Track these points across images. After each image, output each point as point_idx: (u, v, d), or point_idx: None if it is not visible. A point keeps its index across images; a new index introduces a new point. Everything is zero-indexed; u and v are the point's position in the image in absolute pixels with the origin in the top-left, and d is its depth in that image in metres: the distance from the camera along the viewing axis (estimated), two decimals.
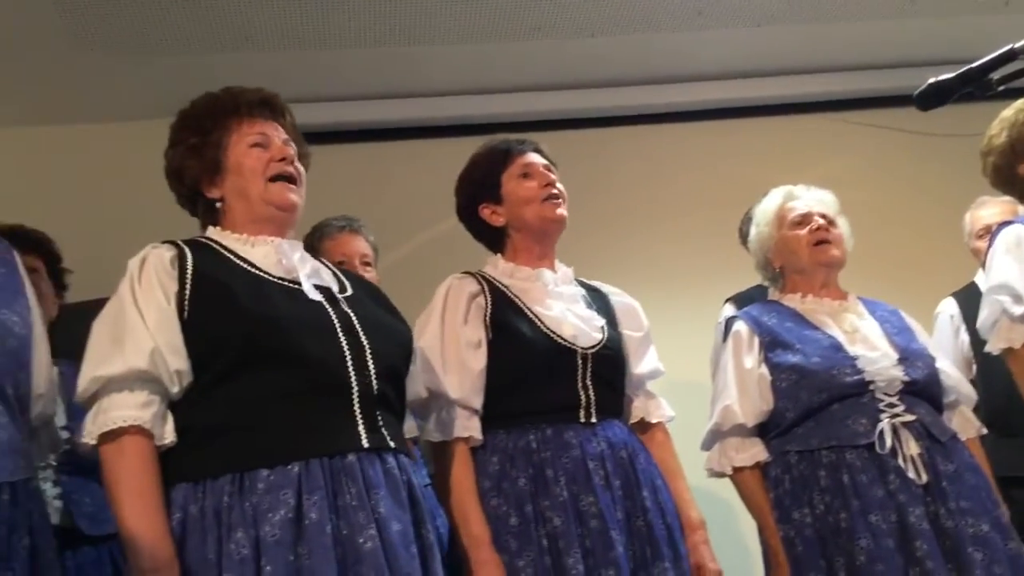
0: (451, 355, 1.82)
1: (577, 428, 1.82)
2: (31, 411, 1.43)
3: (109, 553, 1.98)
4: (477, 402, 1.81)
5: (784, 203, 2.29)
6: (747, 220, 2.74)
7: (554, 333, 1.87)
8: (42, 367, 1.46)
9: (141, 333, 1.43)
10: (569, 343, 1.86)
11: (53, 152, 3.61)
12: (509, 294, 1.92)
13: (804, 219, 2.23)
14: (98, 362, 1.42)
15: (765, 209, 2.32)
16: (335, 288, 1.63)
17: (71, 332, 1.72)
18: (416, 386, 1.70)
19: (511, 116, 3.77)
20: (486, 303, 1.89)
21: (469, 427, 1.80)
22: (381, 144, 3.85)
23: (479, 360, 1.83)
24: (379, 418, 1.51)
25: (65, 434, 1.83)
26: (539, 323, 1.87)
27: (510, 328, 1.86)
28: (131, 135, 3.64)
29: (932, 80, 1.51)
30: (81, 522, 1.92)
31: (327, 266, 1.72)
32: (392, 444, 1.51)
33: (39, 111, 3.50)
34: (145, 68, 3.49)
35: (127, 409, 1.40)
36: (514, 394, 1.82)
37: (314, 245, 2.38)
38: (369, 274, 2.41)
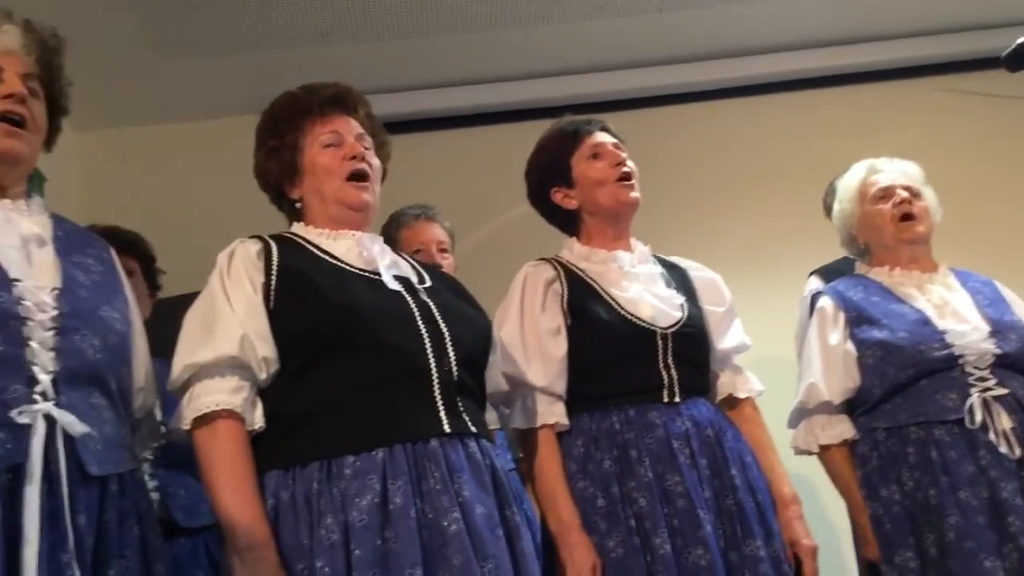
0: (532, 343, 1.83)
1: (661, 408, 1.81)
2: (133, 404, 1.49)
3: (204, 543, 2.04)
4: (561, 388, 1.83)
5: (866, 177, 2.24)
6: (831, 192, 2.69)
7: (632, 315, 1.86)
8: (141, 361, 1.51)
9: (231, 321, 1.47)
10: (648, 324, 1.85)
11: (140, 152, 3.73)
12: (585, 278, 1.92)
13: (887, 193, 2.18)
14: (190, 350, 1.47)
15: (847, 184, 2.27)
16: (414, 279, 1.66)
17: (162, 327, 1.78)
18: (496, 377, 1.72)
19: (582, 97, 3.74)
20: (562, 289, 1.89)
21: (554, 413, 1.81)
22: (455, 131, 3.87)
23: (560, 347, 1.84)
24: (460, 404, 1.53)
25: (161, 429, 1.91)
26: (616, 306, 1.87)
27: (587, 313, 1.86)
28: (214, 133, 3.76)
29: (1022, 40, 1.46)
30: (177, 514, 1.99)
31: (405, 258, 1.76)
32: (473, 429, 1.53)
33: (125, 113, 3.61)
34: (225, 67, 3.57)
35: (219, 394, 1.44)
36: (595, 377, 1.83)
37: (391, 234, 2.42)
38: (446, 261, 2.44)
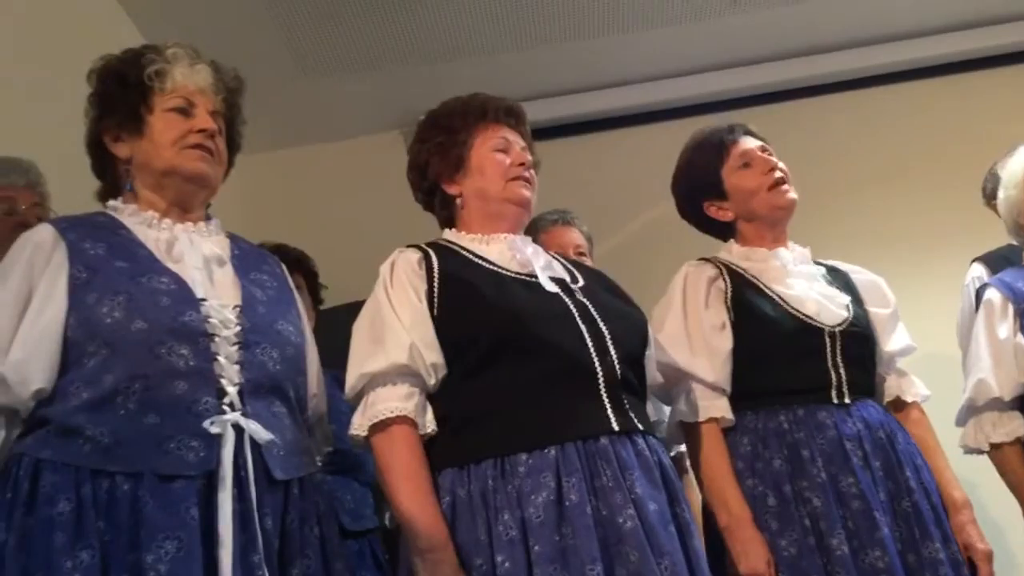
0: (697, 338, 1.83)
1: (830, 408, 1.78)
2: (308, 411, 1.56)
3: (369, 545, 2.12)
4: (726, 384, 1.82)
5: None
6: (991, 177, 2.56)
7: (798, 311, 1.83)
8: (314, 370, 1.58)
9: (398, 331, 1.52)
10: (814, 321, 1.83)
11: (292, 173, 3.90)
12: (747, 276, 1.91)
13: None
14: (362, 360, 1.52)
15: (1012, 171, 2.16)
16: (568, 279, 1.68)
17: (323, 338, 1.85)
18: (653, 371, 1.72)
19: (721, 94, 3.70)
20: (726, 286, 1.88)
21: (720, 408, 1.80)
22: (589, 136, 3.87)
23: (726, 342, 1.83)
24: (625, 401, 1.53)
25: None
26: (781, 302, 1.85)
27: (752, 309, 1.85)
28: (360, 150, 3.89)
29: None
30: (344, 518, 2.06)
31: (557, 258, 1.78)
32: (640, 426, 1.53)
33: (276, 136, 3.78)
34: (369, 85, 3.68)
35: (392, 401, 1.48)
36: (760, 375, 1.81)
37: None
38: None
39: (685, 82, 3.77)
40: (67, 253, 1.39)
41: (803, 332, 1.81)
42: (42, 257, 1.39)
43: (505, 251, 1.67)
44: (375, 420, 1.49)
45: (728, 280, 1.89)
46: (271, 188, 3.71)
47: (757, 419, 1.79)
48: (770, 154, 1.97)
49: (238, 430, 1.33)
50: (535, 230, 2.48)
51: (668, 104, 3.76)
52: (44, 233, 1.42)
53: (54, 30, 2.63)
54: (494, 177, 1.69)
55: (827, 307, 1.85)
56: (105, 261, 1.39)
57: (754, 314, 1.83)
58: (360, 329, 1.58)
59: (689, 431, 1.82)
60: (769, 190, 1.93)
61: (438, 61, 3.58)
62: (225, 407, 1.34)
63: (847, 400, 1.80)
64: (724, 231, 2.02)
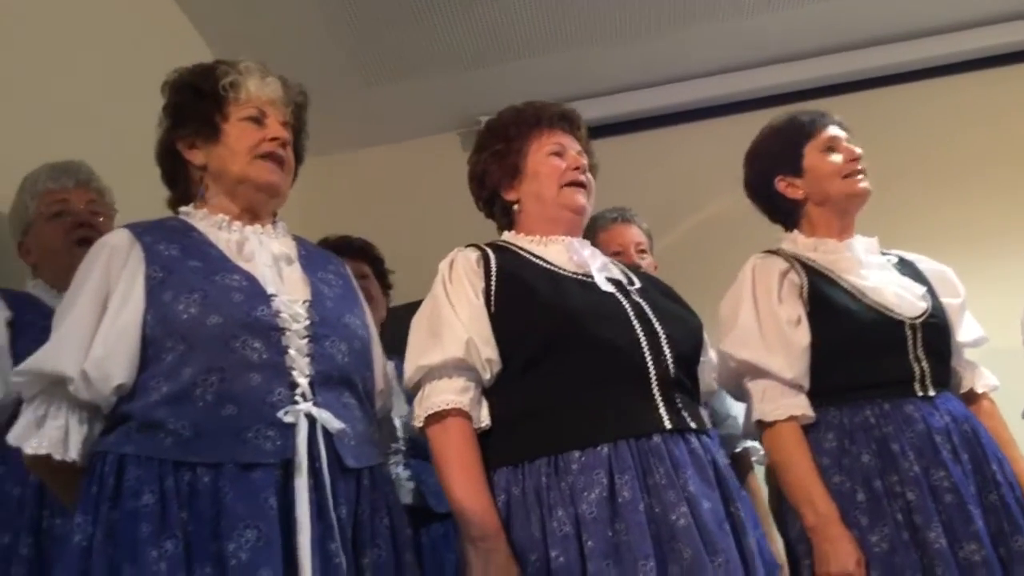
0: (772, 334, 1.80)
1: (916, 402, 1.75)
2: (375, 406, 1.59)
3: (455, 527, 2.11)
4: (805, 380, 1.79)
5: None
6: None
7: (877, 303, 1.80)
8: (380, 366, 1.61)
9: (456, 326, 1.54)
10: (896, 313, 1.79)
11: (352, 176, 3.97)
12: (819, 268, 1.87)
13: None
14: (420, 353, 1.56)
15: None
16: (624, 281, 1.69)
17: (396, 331, 1.91)
18: (708, 378, 1.71)
19: (774, 89, 3.66)
20: (800, 279, 1.85)
21: (799, 405, 1.77)
22: (646, 133, 3.85)
23: (803, 336, 1.79)
24: (678, 400, 1.54)
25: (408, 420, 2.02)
26: (859, 294, 1.82)
27: (830, 302, 1.81)
28: (419, 152, 3.94)
29: None
30: (430, 500, 2.08)
31: (614, 262, 1.79)
32: (693, 425, 1.53)
33: (336, 140, 3.85)
34: (427, 89, 3.72)
35: (448, 394, 1.51)
36: (841, 369, 1.78)
37: (589, 238, 2.45)
38: (645, 261, 2.44)
39: (743, 76, 3.73)
40: (143, 254, 1.43)
41: (885, 325, 1.77)
42: (119, 259, 1.43)
43: (562, 252, 1.70)
44: (431, 411, 1.52)
45: (802, 272, 1.85)
46: (331, 190, 3.77)
47: (841, 414, 1.76)
48: (856, 148, 1.95)
49: (311, 420, 1.35)
50: (595, 228, 2.48)
51: (726, 99, 3.73)
52: (120, 237, 1.47)
53: (128, 48, 2.71)
54: (549, 181, 1.72)
55: (906, 298, 1.82)
56: (179, 261, 1.43)
57: (833, 307, 1.79)
58: (419, 323, 1.61)
59: (768, 430, 1.78)
60: (845, 177, 1.91)
61: (494, 64, 3.60)
62: (298, 398, 1.37)
63: (931, 393, 1.76)
64: (789, 212, 1.99)
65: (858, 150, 1.94)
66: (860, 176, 1.91)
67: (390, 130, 3.95)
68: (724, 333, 1.85)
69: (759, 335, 1.80)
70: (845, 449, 1.73)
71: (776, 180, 1.97)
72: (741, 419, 2.05)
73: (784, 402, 1.76)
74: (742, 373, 1.81)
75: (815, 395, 1.78)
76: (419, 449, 2.06)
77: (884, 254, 1.97)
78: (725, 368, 1.82)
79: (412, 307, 1.69)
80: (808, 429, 1.77)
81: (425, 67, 3.60)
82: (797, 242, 1.94)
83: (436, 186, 3.47)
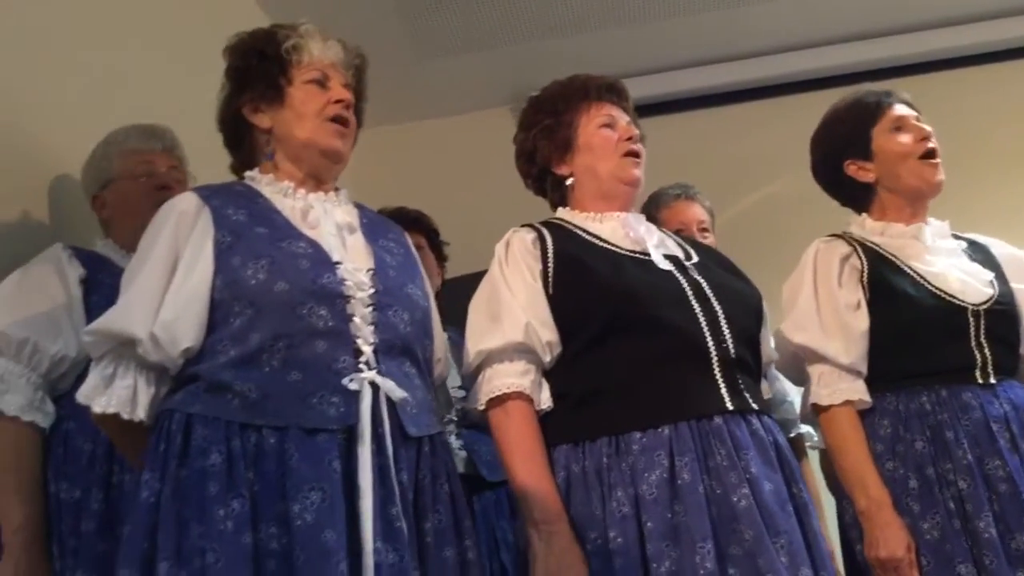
0: (830, 319, 1.78)
1: (975, 389, 1.73)
2: (433, 374, 1.60)
3: (506, 495, 2.14)
4: (863, 365, 1.77)
5: None
6: None
7: (940, 290, 1.78)
8: (438, 334, 1.62)
9: (514, 309, 1.55)
10: (958, 300, 1.77)
11: (402, 148, 3.98)
12: (884, 252, 1.85)
13: None
14: (479, 338, 1.57)
15: None
16: (681, 256, 1.68)
17: (452, 302, 1.93)
18: (769, 350, 1.70)
19: (835, 70, 3.59)
20: (861, 264, 1.83)
21: (857, 390, 1.76)
22: (709, 110, 3.82)
23: (861, 322, 1.78)
24: (739, 381, 1.53)
25: (461, 393, 2.04)
26: (922, 280, 1.79)
27: (890, 287, 1.79)
28: (471, 127, 3.95)
29: None
30: (482, 469, 2.11)
31: (670, 235, 1.77)
32: (755, 405, 1.53)
33: (388, 112, 3.85)
34: (481, 62, 3.72)
35: (509, 377, 1.53)
36: (900, 355, 1.76)
37: (651, 214, 2.42)
38: (707, 239, 2.42)
39: (807, 55, 3.67)
40: (211, 218, 1.44)
41: (946, 311, 1.75)
42: (187, 223, 1.44)
43: (618, 229, 1.68)
44: (492, 395, 1.53)
45: (863, 257, 1.83)
46: (382, 162, 3.78)
47: (898, 400, 1.74)
48: (925, 126, 1.90)
49: (374, 388, 1.37)
50: (657, 205, 2.46)
51: (787, 79, 3.68)
52: (188, 200, 1.48)
53: (186, 13, 2.74)
54: (604, 153, 1.70)
55: (971, 284, 1.79)
56: (247, 226, 1.44)
57: (893, 293, 1.77)
58: (477, 307, 1.62)
59: (823, 414, 1.78)
60: (920, 158, 1.86)
61: (548, 39, 3.58)
62: (362, 366, 1.38)
63: (992, 380, 1.74)
64: (860, 197, 1.95)
65: (927, 128, 1.89)
66: (935, 162, 1.86)
67: (443, 103, 3.96)
68: (785, 316, 1.84)
69: (817, 319, 1.78)
70: (899, 436, 1.71)
71: (846, 164, 1.94)
72: (797, 404, 2.04)
73: (840, 387, 1.75)
74: (800, 357, 1.80)
75: (873, 380, 1.77)
76: (472, 418, 2.09)
77: (957, 238, 1.94)
78: (783, 351, 1.81)
79: (462, 280, 1.71)
80: (864, 415, 1.76)
81: (480, 41, 3.59)
82: (865, 226, 1.92)
83: (488, 160, 3.45)
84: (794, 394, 2.20)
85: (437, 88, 3.86)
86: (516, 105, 3.95)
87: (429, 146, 4.01)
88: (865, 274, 1.81)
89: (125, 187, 1.94)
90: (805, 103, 3.56)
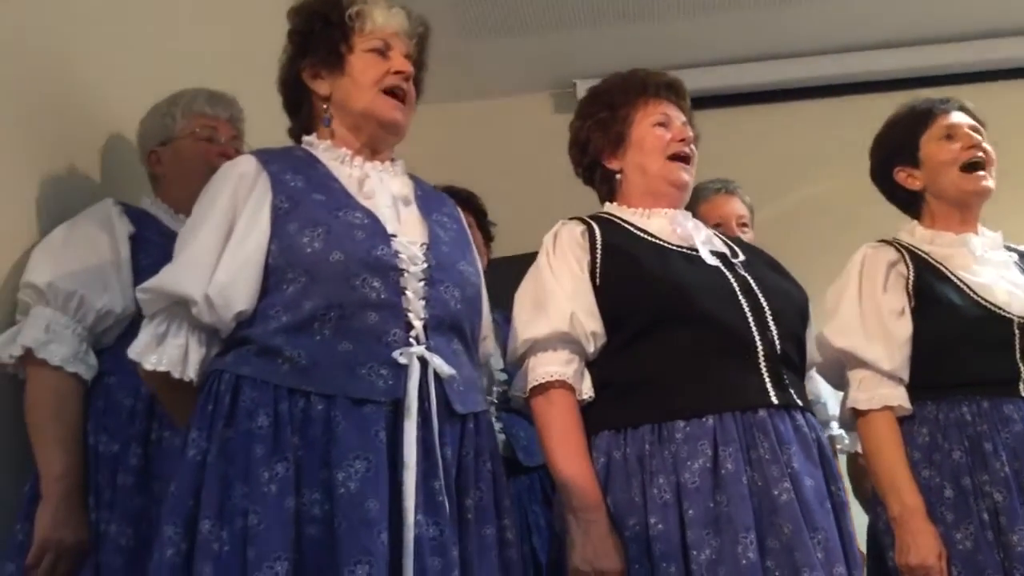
0: (873, 324, 1.79)
1: (1018, 402, 1.73)
2: (479, 352, 1.60)
3: (539, 480, 2.17)
4: (904, 371, 1.77)
5: None
6: None
7: (986, 300, 1.77)
8: (486, 313, 1.62)
9: (560, 299, 1.57)
10: (1004, 311, 1.76)
11: (443, 128, 3.98)
12: (931, 260, 1.85)
13: None
14: (525, 326, 1.58)
15: None
16: (728, 254, 1.68)
17: (496, 283, 1.92)
18: (813, 349, 1.71)
19: (890, 73, 3.57)
20: (907, 270, 1.83)
21: (896, 396, 1.76)
22: (755, 107, 3.81)
23: (904, 328, 1.78)
24: (785, 376, 1.54)
25: (503, 376, 2.05)
26: (968, 290, 1.79)
27: (936, 296, 1.79)
28: (514, 108, 3.94)
29: None
30: (519, 453, 2.12)
31: (717, 234, 1.77)
32: (799, 402, 1.54)
33: (438, 89, 3.82)
34: (524, 46, 3.71)
35: (553, 366, 1.55)
36: (942, 364, 1.76)
37: (690, 208, 2.42)
38: (746, 235, 2.42)
39: (853, 58, 3.65)
40: (270, 183, 1.44)
41: (991, 322, 1.75)
42: (245, 186, 1.44)
43: (666, 225, 1.69)
44: (536, 383, 1.54)
45: (910, 264, 1.83)
46: (421, 140, 3.78)
47: (937, 409, 1.74)
48: (978, 134, 1.89)
49: (423, 363, 1.37)
50: (696, 199, 2.45)
51: (833, 80, 3.66)
52: (247, 164, 1.47)
53: None
54: (654, 152, 1.70)
55: (1019, 296, 1.79)
56: (304, 193, 1.44)
57: (938, 301, 1.77)
58: (523, 296, 1.63)
59: (862, 418, 1.78)
60: (962, 170, 1.86)
61: (594, 26, 3.56)
62: (412, 340, 1.38)
63: None
64: (910, 203, 1.96)
65: (977, 137, 1.87)
66: (979, 172, 1.85)
67: (484, 85, 3.95)
68: (828, 320, 1.84)
69: (860, 324, 1.79)
70: (937, 444, 1.72)
71: (895, 171, 1.94)
72: (830, 405, 2.04)
73: (880, 392, 1.75)
74: (841, 361, 1.80)
75: (914, 388, 1.77)
76: (511, 403, 2.11)
77: (1010, 249, 1.94)
78: (826, 355, 1.81)
79: (499, 262, 1.70)
80: (902, 422, 1.76)
81: (526, 25, 3.58)
82: (915, 233, 1.92)
83: (525, 144, 3.47)
84: (827, 396, 2.21)
85: (479, 69, 3.85)
86: (557, 91, 3.97)
87: (467, 126, 4.00)
88: (911, 281, 1.81)
89: (185, 147, 1.94)
90: (851, 106, 3.54)
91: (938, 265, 1.83)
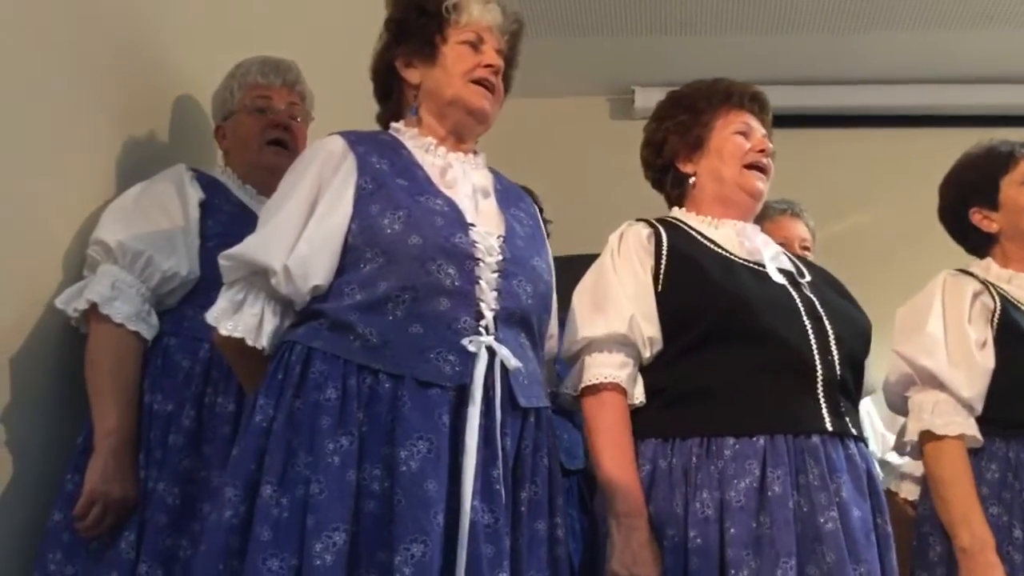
0: (957, 350, 1.76)
1: None
2: (544, 349, 1.60)
3: (577, 484, 2.18)
4: (980, 404, 1.75)
5: None
6: None
7: None
8: (553, 311, 1.61)
9: (620, 301, 1.56)
10: None
11: (506, 121, 4.00)
12: (1011, 298, 1.83)
13: None
14: (583, 324, 1.58)
15: None
16: (795, 273, 1.67)
17: None
18: (870, 378, 1.69)
19: (968, 109, 3.54)
20: (994, 304, 1.80)
21: (970, 426, 1.73)
22: (820, 131, 3.78)
23: (988, 360, 1.76)
24: (841, 404, 1.52)
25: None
26: None
27: (1020, 331, 1.77)
28: (569, 109, 3.93)
29: None
30: (561, 455, 2.10)
31: (785, 253, 1.76)
32: (854, 431, 1.52)
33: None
34: (586, 48, 3.71)
35: (607, 367, 1.54)
36: (1017, 402, 1.73)
37: None
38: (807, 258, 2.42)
39: (926, 89, 3.63)
40: (356, 164, 1.46)
41: None
42: (332, 164, 1.46)
43: (733, 236, 1.68)
44: (588, 383, 1.54)
45: (997, 299, 1.81)
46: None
47: (1008, 448, 1.72)
48: None
49: (491, 353, 1.38)
50: (761, 218, 2.43)
51: (905, 110, 3.64)
52: (336, 143, 1.50)
53: None
54: (731, 159, 1.69)
55: None
56: (388, 176, 1.46)
57: (1021, 337, 1.75)
58: (583, 294, 1.62)
59: (934, 443, 1.74)
60: None
61: (655, 35, 3.57)
62: (481, 329, 1.39)
63: None
64: (981, 244, 1.94)
65: None
66: None
67: (542, 84, 3.93)
68: (904, 339, 1.81)
69: (944, 347, 1.76)
70: (1007, 483, 1.69)
71: (971, 212, 1.92)
72: (871, 442, 2.01)
73: (957, 419, 1.72)
74: (910, 383, 1.78)
75: (984, 422, 1.74)
76: (556, 405, 2.11)
77: None
78: (897, 372, 1.79)
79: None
80: (971, 454, 1.73)
81: (589, 27, 3.60)
82: (990, 270, 1.90)
83: (579, 146, 3.47)
84: (867, 422, 2.19)
85: (539, 68, 3.84)
86: (615, 97, 3.97)
87: (523, 124, 4.01)
88: (996, 314, 1.79)
89: (242, 120, 1.96)
90: (912, 138, 3.52)
91: (1018, 304, 1.81)
